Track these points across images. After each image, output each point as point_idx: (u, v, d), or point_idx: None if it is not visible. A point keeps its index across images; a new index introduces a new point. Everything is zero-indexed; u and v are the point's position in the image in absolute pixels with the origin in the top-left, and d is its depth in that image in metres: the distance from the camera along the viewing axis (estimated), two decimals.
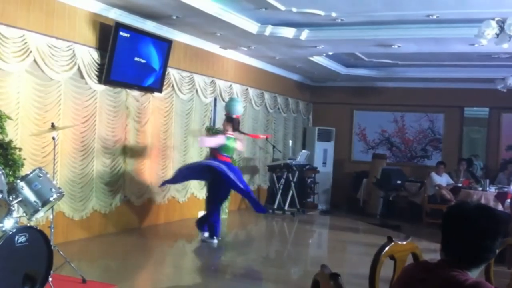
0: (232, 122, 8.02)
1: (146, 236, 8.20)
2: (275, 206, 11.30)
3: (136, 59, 7.84)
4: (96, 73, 7.30)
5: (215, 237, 7.86)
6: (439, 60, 10.91)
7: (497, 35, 5.86)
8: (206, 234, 7.95)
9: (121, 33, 7.39)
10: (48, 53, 6.53)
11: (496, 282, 3.36)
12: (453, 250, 2.24)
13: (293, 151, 12.76)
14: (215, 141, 7.93)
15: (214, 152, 7.93)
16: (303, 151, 12.45)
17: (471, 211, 2.25)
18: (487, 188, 9.61)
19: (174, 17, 7.82)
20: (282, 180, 11.49)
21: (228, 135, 7.93)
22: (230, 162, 7.98)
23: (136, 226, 8.44)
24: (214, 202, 7.98)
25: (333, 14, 7.80)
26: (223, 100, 10.47)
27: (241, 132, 8.34)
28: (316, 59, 10.86)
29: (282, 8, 7.54)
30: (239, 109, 8.38)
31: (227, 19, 7.80)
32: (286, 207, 11.34)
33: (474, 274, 2.23)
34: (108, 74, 7.35)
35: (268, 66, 12.03)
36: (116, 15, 7.50)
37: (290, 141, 12.91)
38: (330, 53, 10.42)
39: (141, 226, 8.53)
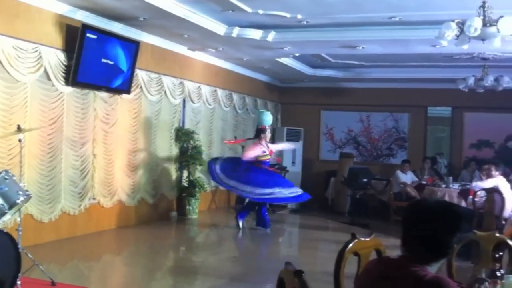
0: (258, 131, 9.39)
1: (116, 237, 8.19)
2: None
3: (104, 60, 7.82)
4: (63, 74, 7.25)
5: (268, 228, 9.24)
6: (403, 61, 11.15)
7: (457, 36, 6.01)
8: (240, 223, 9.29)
9: (88, 35, 7.36)
10: (14, 55, 6.47)
11: (461, 277, 3.48)
12: (413, 246, 2.31)
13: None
14: (253, 154, 9.19)
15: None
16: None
17: (430, 207, 2.34)
18: (451, 185, 9.83)
19: (142, 19, 7.83)
20: None
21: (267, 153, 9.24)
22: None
23: (106, 227, 8.40)
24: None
25: (299, 16, 7.92)
26: (192, 101, 10.51)
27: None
28: (283, 60, 10.98)
29: (249, 10, 7.62)
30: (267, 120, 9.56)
31: (194, 21, 7.84)
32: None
33: (434, 269, 2.30)
34: (75, 76, 7.31)
35: (237, 67, 12.10)
36: (82, 16, 7.47)
37: None
38: (297, 54, 10.55)
39: (111, 228, 8.50)
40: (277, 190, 8.91)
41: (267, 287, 6.11)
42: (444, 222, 2.28)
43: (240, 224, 9.27)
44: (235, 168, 9.18)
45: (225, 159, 9.74)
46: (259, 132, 9.37)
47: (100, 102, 8.09)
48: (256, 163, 9.11)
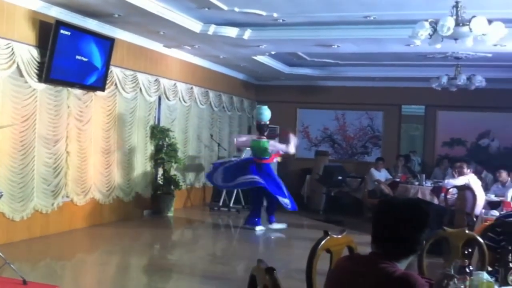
0: (260, 128, 9.57)
1: (89, 236, 8.12)
2: (221, 204, 11.36)
3: (78, 57, 7.74)
4: (36, 71, 7.16)
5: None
6: (378, 60, 11.27)
7: (430, 36, 6.08)
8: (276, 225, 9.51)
9: (61, 31, 7.27)
10: None
11: (432, 274, 3.53)
12: (382, 242, 2.35)
13: (238, 148, 12.85)
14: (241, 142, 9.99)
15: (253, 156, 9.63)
16: (248, 148, 12.55)
17: (398, 205, 2.39)
18: (424, 182, 9.97)
19: (116, 15, 7.76)
20: None
21: (254, 138, 9.51)
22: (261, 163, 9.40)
23: (80, 226, 8.32)
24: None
25: (275, 15, 7.95)
26: (168, 99, 10.46)
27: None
28: (259, 58, 11.00)
29: (225, 7, 7.62)
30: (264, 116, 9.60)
31: (170, 18, 7.81)
32: (231, 204, 11.42)
33: (403, 266, 2.34)
34: (48, 73, 7.22)
35: (213, 65, 12.08)
36: (56, 12, 7.38)
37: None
38: (273, 53, 10.58)
39: (85, 226, 8.42)
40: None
41: (240, 284, 6.12)
42: (412, 219, 2.32)
43: (259, 227, 9.39)
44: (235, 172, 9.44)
45: (225, 167, 9.78)
46: (262, 128, 9.58)
47: (74, 99, 8.00)
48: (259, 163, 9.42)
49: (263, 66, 11.93)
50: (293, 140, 9.82)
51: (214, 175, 9.67)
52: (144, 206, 9.99)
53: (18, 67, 6.89)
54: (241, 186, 9.76)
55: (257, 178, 9.12)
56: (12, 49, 6.76)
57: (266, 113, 9.58)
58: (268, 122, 9.65)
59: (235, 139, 10.62)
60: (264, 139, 9.47)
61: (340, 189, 11.92)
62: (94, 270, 6.67)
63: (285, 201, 9.38)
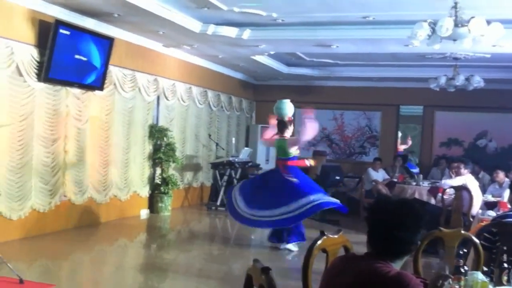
0: (279, 124, 7.95)
1: (86, 235, 8.12)
2: (218, 203, 11.36)
3: (77, 56, 7.74)
4: (35, 71, 7.16)
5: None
6: (376, 60, 11.28)
7: (429, 36, 6.10)
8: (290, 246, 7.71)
9: (61, 31, 7.27)
10: None
11: (428, 273, 3.56)
12: (377, 242, 2.37)
13: (236, 148, 12.87)
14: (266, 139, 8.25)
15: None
16: (246, 148, 12.58)
17: (393, 205, 2.40)
18: (421, 182, 9.99)
19: (116, 15, 7.77)
20: (225, 177, 11.56)
21: (277, 137, 7.89)
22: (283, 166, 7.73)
23: (77, 225, 8.33)
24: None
25: (274, 15, 7.96)
26: (166, 99, 10.47)
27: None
28: (258, 58, 11.00)
29: (224, 7, 7.63)
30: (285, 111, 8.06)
31: (169, 17, 7.81)
32: None
33: (398, 266, 2.37)
34: (47, 72, 7.22)
35: (212, 64, 12.09)
36: (55, 12, 7.38)
37: (233, 139, 13.04)
38: (272, 53, 10.59)
39: (82, 225, 8.42)
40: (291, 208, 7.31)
41: (236, 284, 6.13)
42: (407, 220, 2.34)
43: (291, 246, 7.74)
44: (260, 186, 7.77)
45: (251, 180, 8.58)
46: (282, 126, 7.93)
47: (73, 99, 8.01)
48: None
49: (262, 66, 11.95)
50: (308, 124, 7.95)
51: (237, 210, 7.69)
52: (140, 206, 10.00)
53: (17, 66, 6.89)
54: (301, 217, 7.49)
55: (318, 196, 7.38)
56: (11, 48, 6.77)
57: (286, 107, 8.05)
58: (288, 118, 8.07)
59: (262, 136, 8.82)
60: (286, 138, 7.89)
61: (337, 189, 11.93)
62: (89, 269, 6.68)
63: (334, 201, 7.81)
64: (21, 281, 5.19)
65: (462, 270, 2.74)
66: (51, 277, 5.88)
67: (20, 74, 6.98)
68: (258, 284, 2.22)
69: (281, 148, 7.88)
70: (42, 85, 7.34)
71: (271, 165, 13.75)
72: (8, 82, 6.85)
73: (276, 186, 7.54)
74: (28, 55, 7.04)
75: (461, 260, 2.79)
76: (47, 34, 7.15)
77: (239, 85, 13.84)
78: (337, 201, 7.82)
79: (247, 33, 8.79)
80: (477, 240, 3.58)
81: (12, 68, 6.82)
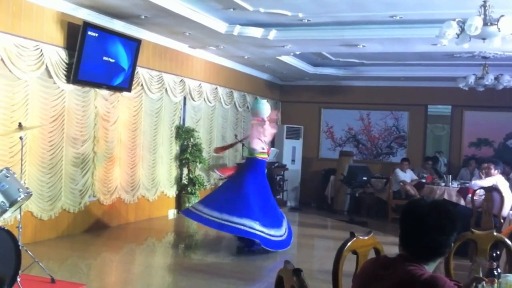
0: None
1: (115, 235, 8.21)
2: None
3: (105, 58, 7.84)
4: (64, 72, 7.28)
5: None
6: (404, 59, 11.16)
7: (458, 35, 6.01)
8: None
9: (89, 33, 7.38)
10: (16, 52, 6.50)
11: (458, 275, 3.51)
12: (410, 245, 2.34)
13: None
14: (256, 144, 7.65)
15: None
16: (272, 149, 12.56)
17: (426, 207, 2.36)
18: (450, 183, 9.87)
19: (143, 17, 7.84)
20: None
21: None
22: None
23: (106, 225, 8.44)
24: None
25: (300, 15, 7.94)
26: (193, 99, 10.53)
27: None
28: (284, 58, 10.99)
29: (250, 8, 7.64)
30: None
31: (195, 19, 7.86)
32: None
33: (431, 268, 2.33)
34: (76, 74, 7.33)
35: (237, 65, 12.12)
36: (84, 14, 7.49)
37: None
38: (298, 53, 10.56)
39: (111, 225, 8.53)
40: (257, 226, 7.20)
41: (266, 285, 6.13)
42: (440, 222, 2.30)
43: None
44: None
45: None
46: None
47: (101, 100, 8.11)
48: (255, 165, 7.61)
49: (288, 66, 11.93)
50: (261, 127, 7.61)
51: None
52: (168, 206, 10.07)
53: (46, 68, 7.01)
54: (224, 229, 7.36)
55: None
56: (41, 50, 6.89)
57: (264, 107, 7.74)
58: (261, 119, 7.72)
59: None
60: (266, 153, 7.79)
61: (364, 190, 11.86)
62: (119, 269, 6.75)
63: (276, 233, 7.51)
64: (52, 281, 5.28)
65: (495, 273, 2.69)
66: (82, 277, 5.96)
67: (50, 76, 7.10)
68: (290, 286, 2.22)
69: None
70: (72, 86, 7.45)
71: (297, 166, 13.82)
72: (38, 83, 6.97)
73: (235, 189, 7.41)
74: (57, 57, 7.15)
75: (495, 263, 2.75)
76: (76, 36, 7.26)
77: (265, 85, 13.85)
78: (259, 235, 7.24)
79: (273, 34, 8.79)
80: (510, 242, 3.51)
81: (42, 70, 6.94)
